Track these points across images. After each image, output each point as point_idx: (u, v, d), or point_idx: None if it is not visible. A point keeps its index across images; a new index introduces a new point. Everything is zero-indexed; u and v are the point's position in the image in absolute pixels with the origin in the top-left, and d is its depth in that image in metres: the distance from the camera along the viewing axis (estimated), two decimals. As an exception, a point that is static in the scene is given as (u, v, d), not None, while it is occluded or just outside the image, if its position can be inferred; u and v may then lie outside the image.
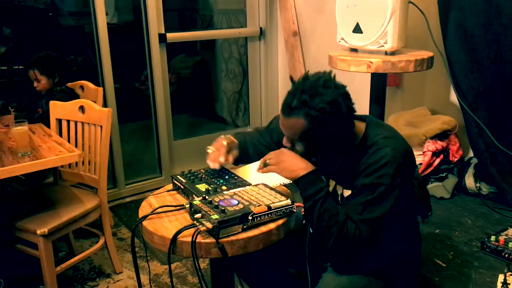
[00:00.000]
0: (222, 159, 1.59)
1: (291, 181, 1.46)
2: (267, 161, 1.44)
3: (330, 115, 1.33)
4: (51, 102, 2.43)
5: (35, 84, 2.72)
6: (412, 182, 1.58)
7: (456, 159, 3.14)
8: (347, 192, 1.49)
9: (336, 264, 1.55)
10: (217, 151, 1.61)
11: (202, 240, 1.26)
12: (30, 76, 2.71)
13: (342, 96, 1.37)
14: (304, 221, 1.69)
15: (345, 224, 1.33)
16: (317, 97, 1.33)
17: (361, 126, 1.47)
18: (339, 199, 1.53)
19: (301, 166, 1.39)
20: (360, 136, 1.45)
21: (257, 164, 1.71)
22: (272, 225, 1.33)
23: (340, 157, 1.48)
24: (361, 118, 1.50)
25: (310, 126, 1.34)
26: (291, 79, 1.44)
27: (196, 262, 1.26)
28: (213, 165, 1.59)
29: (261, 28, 3.87)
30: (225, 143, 1.63)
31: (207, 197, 1.38)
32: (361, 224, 1.34)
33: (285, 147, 1.55)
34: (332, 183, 1.56)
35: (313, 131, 1.36)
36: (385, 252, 1.51)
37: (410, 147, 1.46)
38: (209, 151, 1.63)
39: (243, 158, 1.72)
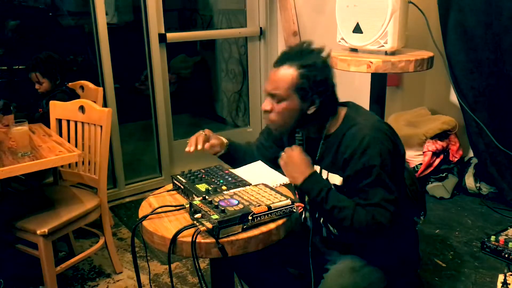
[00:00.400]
0: (199, 146, 1.64)
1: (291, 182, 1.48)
2: (281, 154, 1.50)
3: (319, 73, 1.42)
4: (51, 102, 2.43)
5: (37, 86, 2.71)
6: (404, 182, 1.59)
7: (456, 159, 3.14)
8: (332, 176, 1.50)
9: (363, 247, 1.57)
10: (194, 137, 1.68)
11: (202, 240, 1.26)
12: (32, 78, 2.70)
13: (331, 67, 1.48)
14: (302, 221, 1.69)
15: (355, 212, 1.36)
16: (311, 54, 1.46)
17: (342, 110, 1.53)
18: None
19: (302, 171, 1.44)
20: (341, 118, 1.50)
21: (255, 165, 1.73)
22: (272, 225, 1.33)
23: (321, 141, 1.52)
24: (343, 104, 1.56)
25: (297, 78, 1.42)
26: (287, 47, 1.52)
27: (196, 262, 1.26)
28: (188, 148, 1.65)
29: (261, 28, 3.87)
30: (203, 132, 1.70)
31: (207, 197, 1.38)
32: (372, 209, 1.36)
33: (285, 151, 1.56)
34: (317, 169, 1.56)
35: (297, 84, 1.42)
36: (383, 251, 1.52)
37: (393, 131, 1.50)
38: (187, 141, 1.69)
39: (237, 157, 1.77)
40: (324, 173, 1.53)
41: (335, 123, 1.50)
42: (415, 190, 1.67)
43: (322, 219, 1.60)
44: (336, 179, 1.49)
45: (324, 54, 1.48)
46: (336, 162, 1.47)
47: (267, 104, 1.49)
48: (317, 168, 1.56)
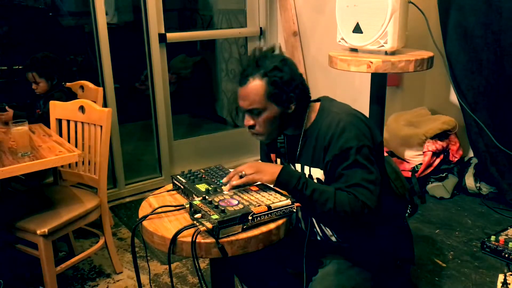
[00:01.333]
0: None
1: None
2: (243, 173, 1.45)
3: (283, 73, 1.45)
4: (51, 102, 2.43)
5: (34, 86, 2.70)
6: (387, 175, 1.60)
7: (456, 159, 3.14)
8: (314, 170, 1.51)
9: (348, 237, 1.57)
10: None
11: (202, 240, 1.26)
12: (29, 78, 2.68)
13: (290, 60, 1.50)
14: (294, 223, 1.69)
15: (336, 194, 1.36)
16: (267, 59, 1.47)
17: (316, 105, 1.56)
18: None
19: (275, 167, 1.44)
20: (316, 112, 1.53)
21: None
22: (272, 225, 1.33)
23: (300, 137, 1.53)
24: (317, 99, 1.59)
25: (268, 87, 1.44)
26: (240, 55, 1.52)
27: (196, 262, 1.26)
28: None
29: (261, 28, 3.87)
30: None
31: (207, 197, 1.38)
32: (352, 189, 1.36)
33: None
34: (298, 167, 1.57)
35: (270, 92, 1.44)
36: (370, 245, 1.52)
37: (367, 118, 1.52)
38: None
39: None
40: (306, 169, 1.54)
41: (311, 117, 1.53)
42: (399, 184, 1.67)
43: (314, 219, 1.60)
44: (318, 173, 1.50)
45: (277, 51, 1.51)
46: (316, 155, 1.48)
47: (248, 120, 1.51)
48: (298, 166, 1.57)
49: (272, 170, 1.42)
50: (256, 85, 1.45)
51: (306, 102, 1.54)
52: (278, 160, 1.68)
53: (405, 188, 1.70)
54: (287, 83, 1.45)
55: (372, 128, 1.48)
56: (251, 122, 1.50)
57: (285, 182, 1.40)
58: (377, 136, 1.50)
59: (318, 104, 1.56)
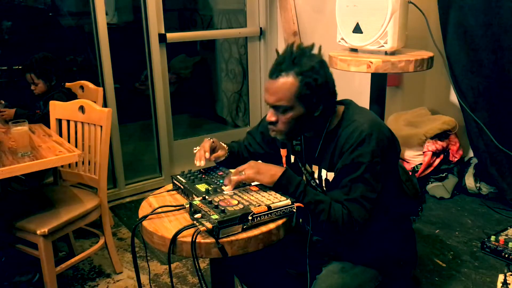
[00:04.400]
0: (207, 155, 1.60)
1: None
2: (243, 172, 1.44)
3: (319, 75, 1.39)
4: (51, 102, 2.43)
5: (33, 87, 2.70)
6: (400, 177, 1.59)
7: (456, 159, 3.14)
8: (330, 175, 1.50)
9: (336, 247, 1.58)
10: (202, 149, 1.63)
11: (202, 240, 1.26)
12: (28, 79, 2.69)
13: (326, 63, 1.45)
14: (301, 223, 1.69)
15: (331, 207, 1.37)
16: (305, 57, 1.40)
17: (340, 108, 1.52)
18: (324, 184, 1.54)
19: (276, 169, 1.42)
20: (339, 116, 1.49)
21: None
22: (272, 225, 1.33)
23: (321, 140, 1.50)
24: (341, 102, 1.55)
25: (298, 86, 1.39)
26: (276, 51, 1.49)
27: (196, 262, 1.26)
28: (198, 163, 1.60)
29: (261, 28, 3.87)
30: (209, 140, 1.66)
31: (207, 197, 1.38)
32: (349, 204, 1.37)
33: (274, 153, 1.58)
34: (315, 169, 1.57)
35: (301, 92, 1.39)
36: (375, 247, 1.52)
37: (389, 129, 1.49)
38: (194, 151, 1.65)
39: (238, 163, 1.74)
40: (323, 172, 1.53)
41: (333, 121, 1.50)
42: (410, 186, 1.67)
43: None
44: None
45: (315, 51, 1.45)
46: (334, 161, 1.47)
47: (271, 115, 1.45)
48: (315, 168, 1.56)
49: (272, 172, 1.41)
50: (288, 82, 1.38)
51: (332, 107, 1.49)
52: (292, 157, 1.66)
53: (416, 189, 1.70)
54: (320, 86, 1.40)
55: (392, 140, 1.46)
56: (274, 118, 1.45)
57: (283, 187, 1.40)
58: (398, 147, 1.51)
59: (341, 108, 1.51)
